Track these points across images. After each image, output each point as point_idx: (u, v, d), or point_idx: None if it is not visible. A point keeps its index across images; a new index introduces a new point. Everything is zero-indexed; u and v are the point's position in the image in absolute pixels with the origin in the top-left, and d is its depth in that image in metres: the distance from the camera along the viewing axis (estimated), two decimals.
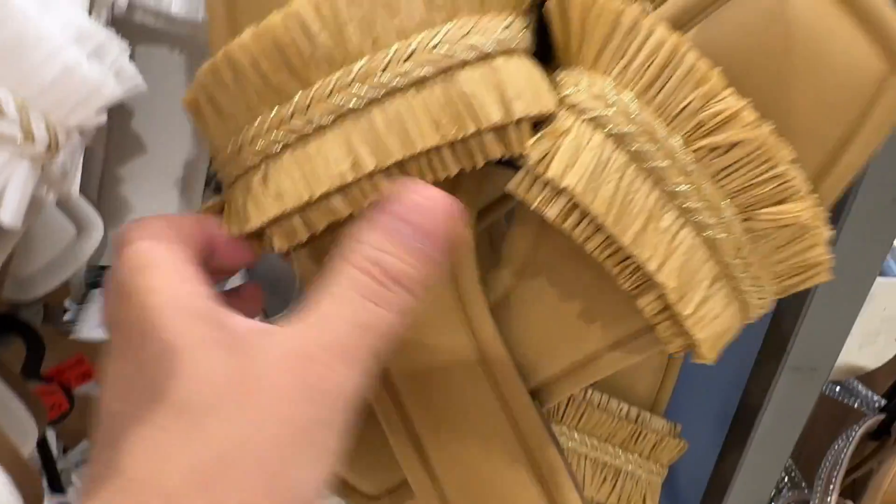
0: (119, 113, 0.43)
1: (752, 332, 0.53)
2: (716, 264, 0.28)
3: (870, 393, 0.63)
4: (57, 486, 0.47)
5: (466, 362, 0.32)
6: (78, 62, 0.24)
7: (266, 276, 0.67)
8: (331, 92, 0.25)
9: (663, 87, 0.26)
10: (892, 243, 0.44)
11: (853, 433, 0.60)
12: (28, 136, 0.25)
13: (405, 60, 0.25)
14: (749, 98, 0.26)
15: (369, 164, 0.25)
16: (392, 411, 0.33)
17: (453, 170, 0.27)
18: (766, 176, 0.27)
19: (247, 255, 0.26)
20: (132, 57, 0.40)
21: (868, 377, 0.64)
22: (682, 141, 0.26)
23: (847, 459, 0.59)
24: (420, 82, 0.25)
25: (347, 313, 0.20)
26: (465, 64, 0.25)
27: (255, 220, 0.27)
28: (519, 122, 0.26)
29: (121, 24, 0.35)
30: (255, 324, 0.20)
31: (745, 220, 0.27)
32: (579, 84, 0.27)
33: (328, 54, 0.25)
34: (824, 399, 0.70)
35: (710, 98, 0.26)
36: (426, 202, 0.22)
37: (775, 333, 0.51)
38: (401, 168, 0.26)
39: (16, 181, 0.25)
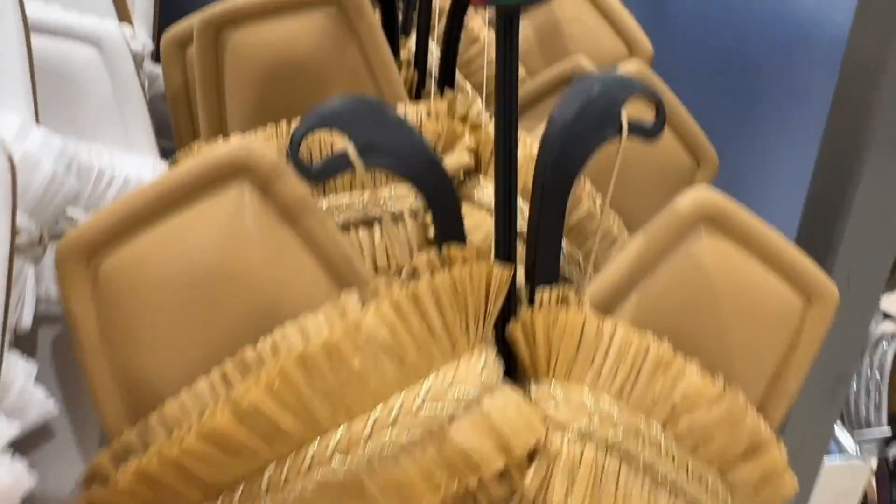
0: None
1: None
2: None
3: None
4: None
5: None
6: None
7: None
8: (309, 466, 0.24)
9: (636, 382, 0.27)
10: (831, 431, 0.45)
11: None
12: None
13: (389, 426, 0.24)
14: (693, 345, 0.28)
15: None
16: None
17: None
18: (737, 434, 0.28)
19: None
20: (39, 354, 0.37)
21: None
22: (662, 426, 0.27)
23: None
24: (410, 445, 0.24)
25: None
26: (452, 418, 0.24)
27: None
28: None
29: None
30: None
31: (724, 475, 0.29)
32: (557, 398, 0.27)
33: (295, 431, 0.24)
34: None
35: (677, 378, 0.27)
36: None
37: None
38: None
39: None
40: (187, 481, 0.24)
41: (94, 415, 0.42)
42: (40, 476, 0.41)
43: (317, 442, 0.24)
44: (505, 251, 0.28)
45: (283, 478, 0.24)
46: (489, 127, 0.40)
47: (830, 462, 0.50)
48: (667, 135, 0.42)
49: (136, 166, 0.38)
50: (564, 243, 0.37)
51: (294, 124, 0.36)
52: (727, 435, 0.28)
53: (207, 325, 0.25)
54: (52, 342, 0.39)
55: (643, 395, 0.27)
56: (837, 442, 0.52)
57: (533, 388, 0.28)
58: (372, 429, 0.24)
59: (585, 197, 0.37)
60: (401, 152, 0.26)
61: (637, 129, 0.28)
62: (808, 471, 0.48)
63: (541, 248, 0.28)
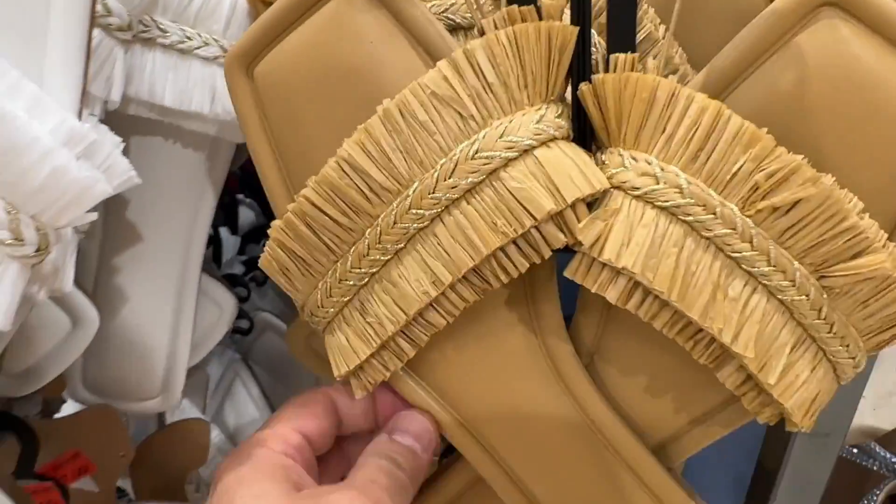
0: (115, 204, 0.43)
1: None
2: (796, 327, 0.27)
3: (888, 455, 0.61)
4: None
5: (575, 427, 0.31)
6: (67, 164, 0.24)
7: (271, 365, 0.67)
8: (395, 221, 0.27)
9: (710, 154, 0.26)
10: None
11: (875, 497, 0.58)
12: (18, 238, 0.25)
13: (451, 176, 0.26)
14: (804, 154, 0.25)
15: (447, 278, 0.27)
16: (512, 489, 0.32)
17: (523, 266, 0.27)
18: (834, 231, 0.25)
19: (367, 419, 0.33)
20: (127, 147, 0.41)
21: (887, 439, 0.63)
22: (740, 206, 0.26)
23: None
24: (470, 190, 0.26)
25: (372, 476, 0.29)
26: (508, 162, 0.26)
27: (363, 351, 0.29)
28: (574, 206, 0.26)
29: (115, 117, 0.36)
30: (325, 487, 0.29)
31: (821, 277, 0.26)
32: (624, 163, 0.27)
33: (382, 187, 0.27)
34: (844, 462, 0.68)
35: (763, 159, 0.25)
36: (415, 421, 0.31)
37: None
38: (478, 273, 0.28)
39: (4, 284, 0.25)
40: (315, 236, 0.29)
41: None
42: None
43: (399, 198, 0.27)
44: (579, 16, 0.27)
45: (378, 236, 0.28)
46: None
47: None
48: None
49: None
50: None
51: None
52: (820, 228, 0.25)
53: (339, 110, 0.29)
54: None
55: (718, 168, 0.26)
56: None
57: (602, 154, 0.28)
58: (438, 177, 0.27)
59: (647, 20, 0.37)
60: None
61: None
62: None
63: (615, 16, 0.27)
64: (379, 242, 0.28)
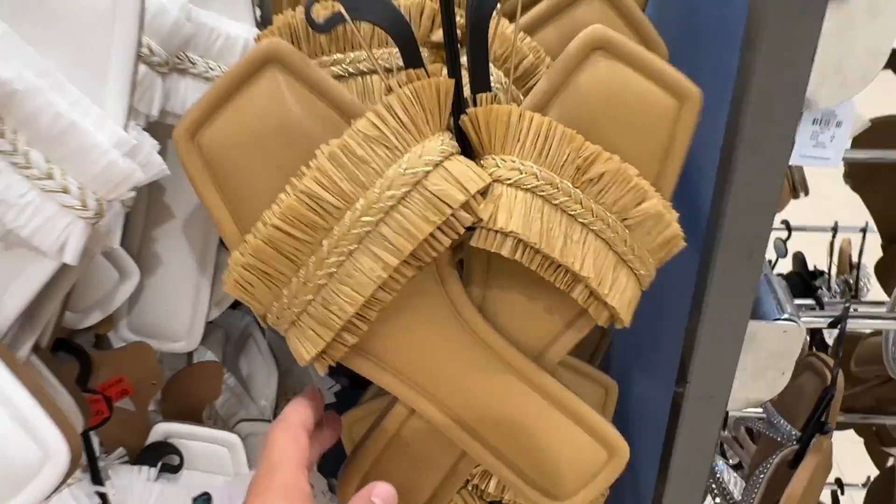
0: (155, 190, 0.58)
1: (672, 368, 0.63)
2: (614, 255, 0.41)
3: (789, 428, 0.72)
4: (97, 479, 0.60)
5: (470, 345, 0.43)
6: (116, 160, 0.38)
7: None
8: (349, 229, 0.37)
9: (549, 151, 0.40)
10: (753, 291, 0.54)
11: (770, 461, 0.69)
12: (83, 206, 0.39)
13: (389, 189, 0.38)
14: (600, 143, 0.40)
15: (393, 262, 0.37)
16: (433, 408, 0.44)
17: (447, 243, 0.39)
18: (626, 189, 0.40)
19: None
20: (165, 148, 0.55)
21: (792, 414, 0.74)
22: (571, 181, 0.40)
23: (764, 483, 0.68)
24: (404, 197, 0.38)
25: None
26: (427, 174, 0.38)
27: (327, 335, 0.38)
28: (474, 196, 0.39)
29: (157, 126, 0.50)
30: None
31: (623, 220, 0.41)
32: (497, 164, 0.40)
33: (334, 206, 0.38)
34: (762, 437, 0.79)
35: (579, 150, 0.40)
36: (388, 491, 0.41)
37: (680, 370, 0.61)
38: (414, 254, 0.38)
39: (75, 234, 0.39)
40: (281, 254, 0.38)
41: None
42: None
43: (349, 212, 0.38)
44: (453, 72, 0.40)
45: (336, 244, 0.38)
46: None
47: (760, 323, 0.59)
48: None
49: (236, 28, 0.54)
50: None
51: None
52: (618, 188, 0.39)
53: (272, 161, 0.39)
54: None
55: (555, 158, 0.39)
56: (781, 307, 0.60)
57: (480, 160, 0.40)
58: (379, 192, 0.38)
59: (543, 66, 0.50)
60: (377, 11, 0.39)
61: None
62: (734, 326, 0.57)
63: (475, 70, 0.40)
64: (336, 247, 0.37)
